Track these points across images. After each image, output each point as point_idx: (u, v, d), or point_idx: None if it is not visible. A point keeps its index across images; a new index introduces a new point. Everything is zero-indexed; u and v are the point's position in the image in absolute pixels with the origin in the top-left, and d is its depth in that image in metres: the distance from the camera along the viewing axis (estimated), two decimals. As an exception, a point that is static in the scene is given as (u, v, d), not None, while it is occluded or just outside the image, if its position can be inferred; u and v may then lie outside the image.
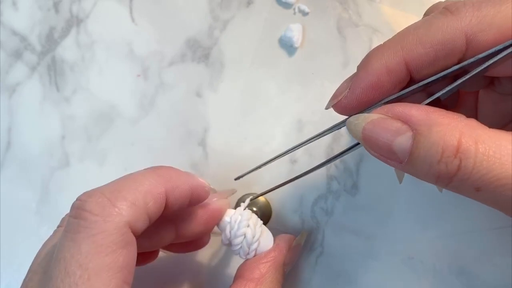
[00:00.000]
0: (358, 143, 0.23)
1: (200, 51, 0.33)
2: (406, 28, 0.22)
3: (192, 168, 0.32)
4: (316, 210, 0.31)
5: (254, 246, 0.27)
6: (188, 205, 0.25)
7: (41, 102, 0.33)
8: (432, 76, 0.21)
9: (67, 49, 0.34)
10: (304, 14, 0.34)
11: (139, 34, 0.34)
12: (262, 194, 0.29)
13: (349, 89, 0.22)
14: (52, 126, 0.33)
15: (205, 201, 0.26)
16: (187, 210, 0.26)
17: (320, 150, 0.32)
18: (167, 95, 0.33)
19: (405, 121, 0.20)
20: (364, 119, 0.21)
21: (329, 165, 0.32)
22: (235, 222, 0.27)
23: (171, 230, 0.27)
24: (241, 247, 0.27)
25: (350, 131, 0.22)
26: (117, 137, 0.33)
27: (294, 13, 0.34)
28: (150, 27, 0.34)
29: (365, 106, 0.22)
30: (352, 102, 0.22)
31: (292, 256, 0.29)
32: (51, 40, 0.34)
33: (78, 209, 0.21)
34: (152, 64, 0.33)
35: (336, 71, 0.33)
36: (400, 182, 0.26)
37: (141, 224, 0.22)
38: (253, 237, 0.27)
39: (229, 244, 0.27)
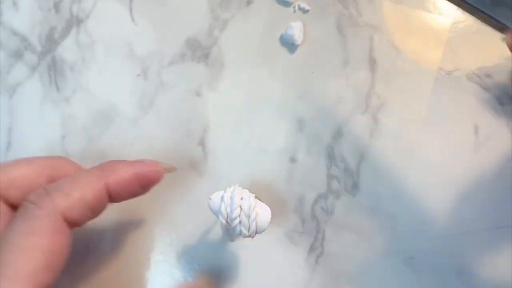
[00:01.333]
0: None
1: (200, 51, 0.33)
2: None
3: (192, 168, 0.32)
4: (316, 210, 0.31)
5: (253, 215, 0.26)
6: (141, 189, 0.26)
7: (41, 102, 0.33)
8: None
9: (67, 49, 0.34)
10: (304, 11, 0.33)
11: (139, 34, 0.34)
12: None
13: None
14: (52, 126, 0.33)
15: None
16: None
17: (320, 150, 0.32)
18: (167, 95, 0.33)
19: None
20: None
21: (329, 164, 0.32)
22: (228, 197, 0.26)
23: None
24: (240, 221, 0.26)
25: None
26: (117, 137, 0.33)
27: (294, 11, 0.34)
28: (150, 27, 0.34)
29: None
30: None
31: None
32: (51, 40, 0.34)
33: (23, 201, 0.24)
34: (152, 63, 0.33)
35: (336, 70, 0.33)
36: None
37: (78, 213, 0.24)
38: (249, 207, 0.26)
39: (227, 225, 0.26)
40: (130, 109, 0.33)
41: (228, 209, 0.26)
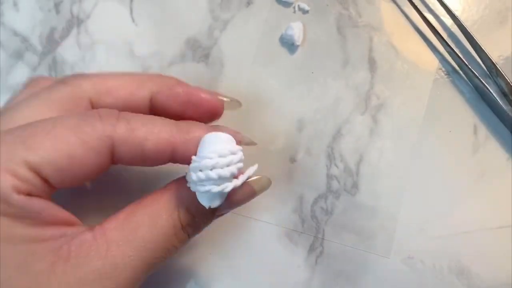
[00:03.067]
0: None
1: (200, 51, 0.34)
2: None
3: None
4: (316, 210, 0.31)
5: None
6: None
7: (41, 103, 0.34)
8: None
9: (67, 50, 0.34)
10: (304, 12, 0.34)
11: (139, 34, 0.34)
12: None
13: None
14: (53, 126, 0.33)
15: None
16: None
17: (320, 150, 0.32)
18: (167, 95, 0.33)
19: None
20: None
21: (329, 165, 0.32)
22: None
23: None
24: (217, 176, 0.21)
25: None
26: (117, 137, 0.33)
27: (294, 12, 0.34)
28: (151, 27, 0.34)
29: None
30: None
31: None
32: (52, 41, 0.34)
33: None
34: (152, 64, 0.34)
35: (336, 70, 0.33)
36: None
37: (127, 151, 0.22)
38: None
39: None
40: (130, 109, 0.33)
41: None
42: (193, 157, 0.22)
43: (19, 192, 0.20)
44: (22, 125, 0.21)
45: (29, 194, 0.20)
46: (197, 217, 0.23)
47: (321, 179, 0.32)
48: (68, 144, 0.21)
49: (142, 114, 0.23)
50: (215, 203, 0.22)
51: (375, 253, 0.30)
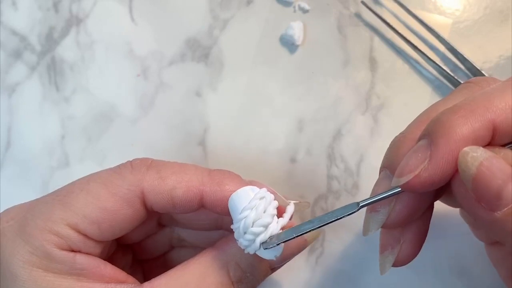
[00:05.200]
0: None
1: (200, 51, 0.33)
2: (484, 92, 0.20)
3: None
4: (316, 210, 0.31)
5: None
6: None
7: (40, 102, 0.33)
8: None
9: (66, 49, 0.34)
10: (304, 11, 0.33)
11: (138, 33, 0.34)
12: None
13: (429, 159, 0.19)
14: (52, 126, 0.33)
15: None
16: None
17: (320, 150, 0.32)
18: (167, 95, 0.33)
19: None
20: (485, 152, 0.18)
21: (329, 165, 0.32)
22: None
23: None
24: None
25: (463, 163, 0.18)
26: (117, 137, 0.33)
27: (294, 11, 0.34)
28: (150, 26, 0.34)
29: (445, 181, 0.19)
30: (435, 175, 0.19)
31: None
32: (50, 40, 0.34)
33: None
34: (152, 63, 0.33)
35: (336, 70, 0.33)
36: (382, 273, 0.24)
37: (157, 199, 0.22)
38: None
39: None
40: (130, 109, 0.33)
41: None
42: (231, 226, 0.22)
43: (62, 248, 0.21)
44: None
45: (73, 251, 0.21)
46: (249, 272, 0.23)
47: (321, 179, 0.31)
48: (99, 197, 0.21)
49: (175, 162, 0.23)
50: (278, 251, 0.22)
51: (375, 253, 0.30)
